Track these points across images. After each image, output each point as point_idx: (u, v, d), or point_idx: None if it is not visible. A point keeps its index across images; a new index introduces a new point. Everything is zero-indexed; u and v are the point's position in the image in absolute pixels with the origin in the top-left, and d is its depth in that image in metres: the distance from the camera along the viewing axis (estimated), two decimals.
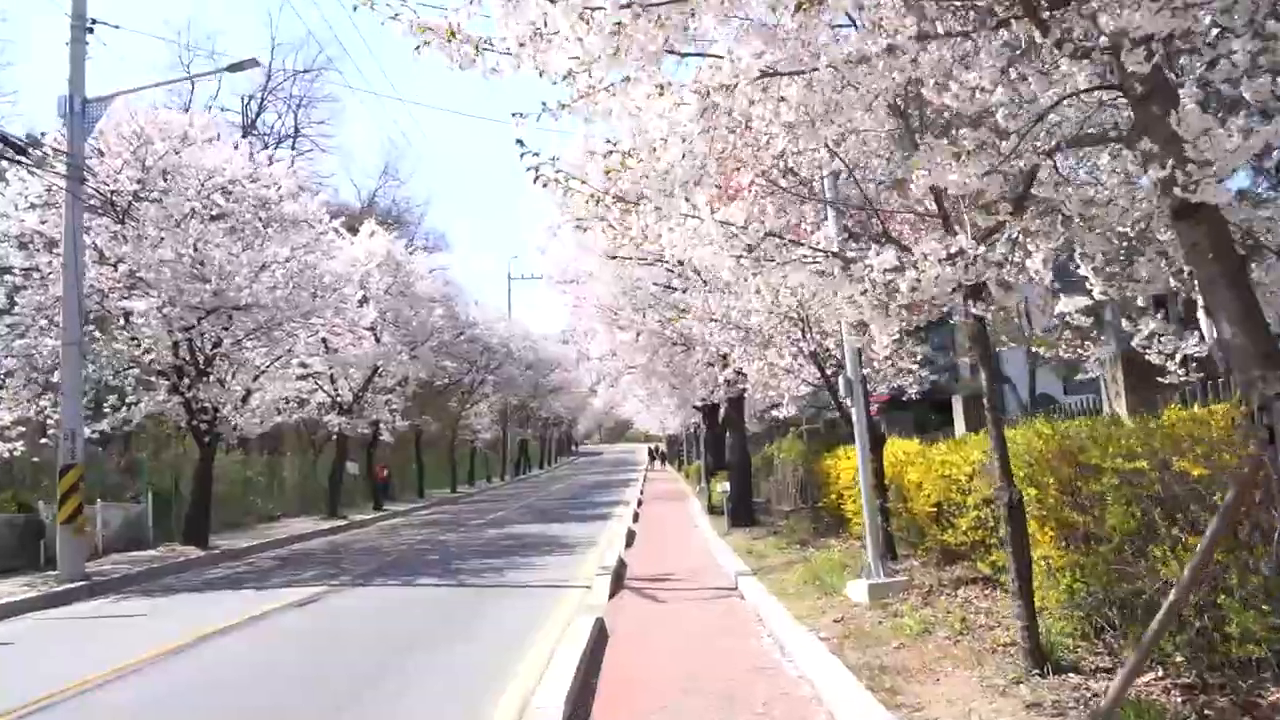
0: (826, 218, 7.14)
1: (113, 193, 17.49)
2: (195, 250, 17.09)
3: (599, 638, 8.87)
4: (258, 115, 41.78)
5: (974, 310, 5.34)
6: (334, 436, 30.42)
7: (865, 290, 5.02)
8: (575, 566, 14.80)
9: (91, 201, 17.31)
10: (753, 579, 11.42)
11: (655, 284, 18.51)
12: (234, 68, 16.76)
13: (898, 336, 6.15)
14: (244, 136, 30.99)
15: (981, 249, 4.63)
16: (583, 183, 4.93)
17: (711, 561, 14.44)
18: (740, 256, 5.42)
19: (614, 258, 17.82)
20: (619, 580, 12.86)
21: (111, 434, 29.12)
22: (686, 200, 4.86)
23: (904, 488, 10.62)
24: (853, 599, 9.08)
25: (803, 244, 5.19)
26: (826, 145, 5.93)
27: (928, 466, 9.62)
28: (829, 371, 11.67)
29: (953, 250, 4.59)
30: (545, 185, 5.17)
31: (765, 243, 5.05)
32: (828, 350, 11.17)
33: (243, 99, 43.15)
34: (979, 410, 12.30)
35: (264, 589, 13.84)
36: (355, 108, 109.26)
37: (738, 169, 5.24)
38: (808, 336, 10.58)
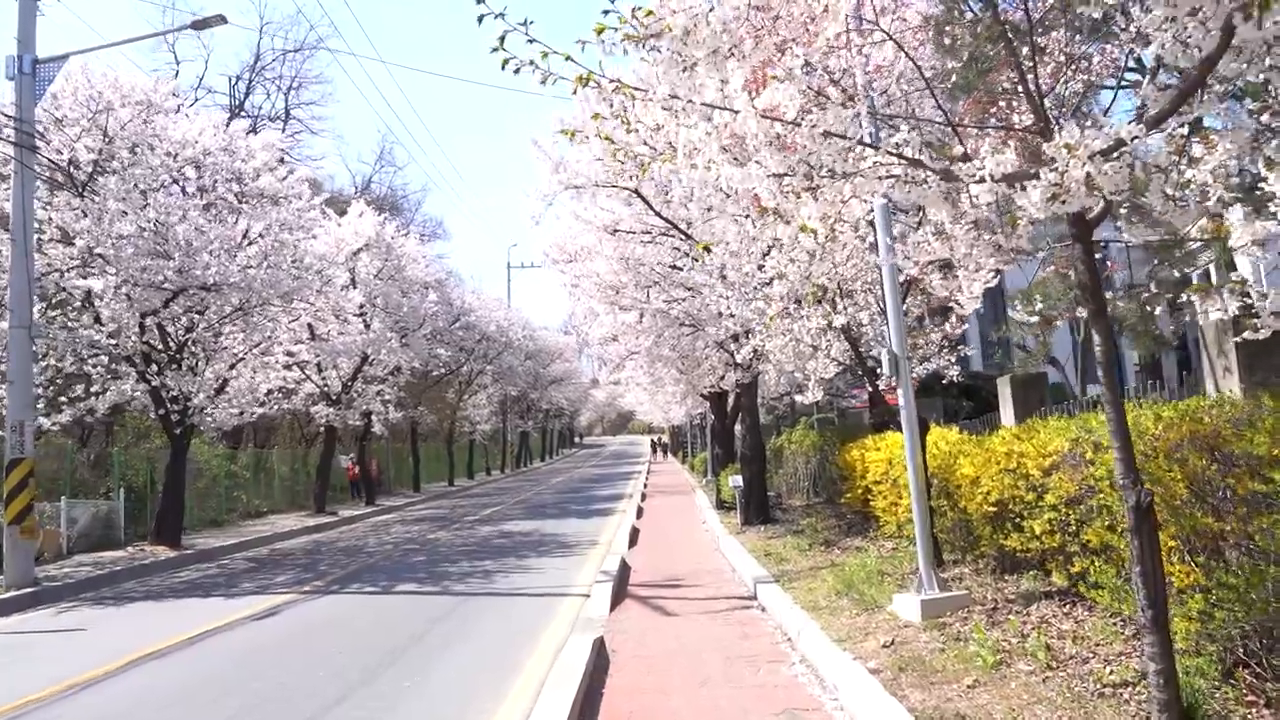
0: (877, 137, 5.70)
1: (70, 163, 16.01)
2: (156, 225, 15.60)
3: (598, 664, 7.45)
4: (245, 97, 40.23)
5: (1131, 236, 3.88)
6: (320, 429, 29.00)
7: (963, 213, 3.56)
8: (574, 569, 13.38)
9: (46, 172, 15.87)
10: (774, 587, 9.97)
11: (659, 264, 17.04)
12: (198, 25, 15.30)
13: (990, 280, 4.74)
14: (230, 120, 29.41)
15: (1156, 138, 3.18)
16: (567, 59, 3.49)
17: (724, 564, 13.00)
18: (784, 175, 3.95)
19: (615, 232, 16.37)
20: (622, 585, 11.45)
21: (92, 426, 27.87)
22: (713, 81, 3.40)
23: (951, 483, 9.16)
24: (901, 616, 7.62)
25: (876, 147, 3.74)
26: (890, 38, 4.45)
27: (986, 459, 8.16)
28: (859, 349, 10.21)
29: (1101, 145, 3.14)
30: (518, 71, 3.71)
31: (825, 147, 3.59)
32: (860, 325, 9.70)
33: (230, 79, 41.68)
34: (1031, 394, 10.85)
35: (229, 596, 12.43)
36: (349, 93, 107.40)
37: (781, 53, 3.81)
38: (840, 307, 9.11)
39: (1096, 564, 6.36)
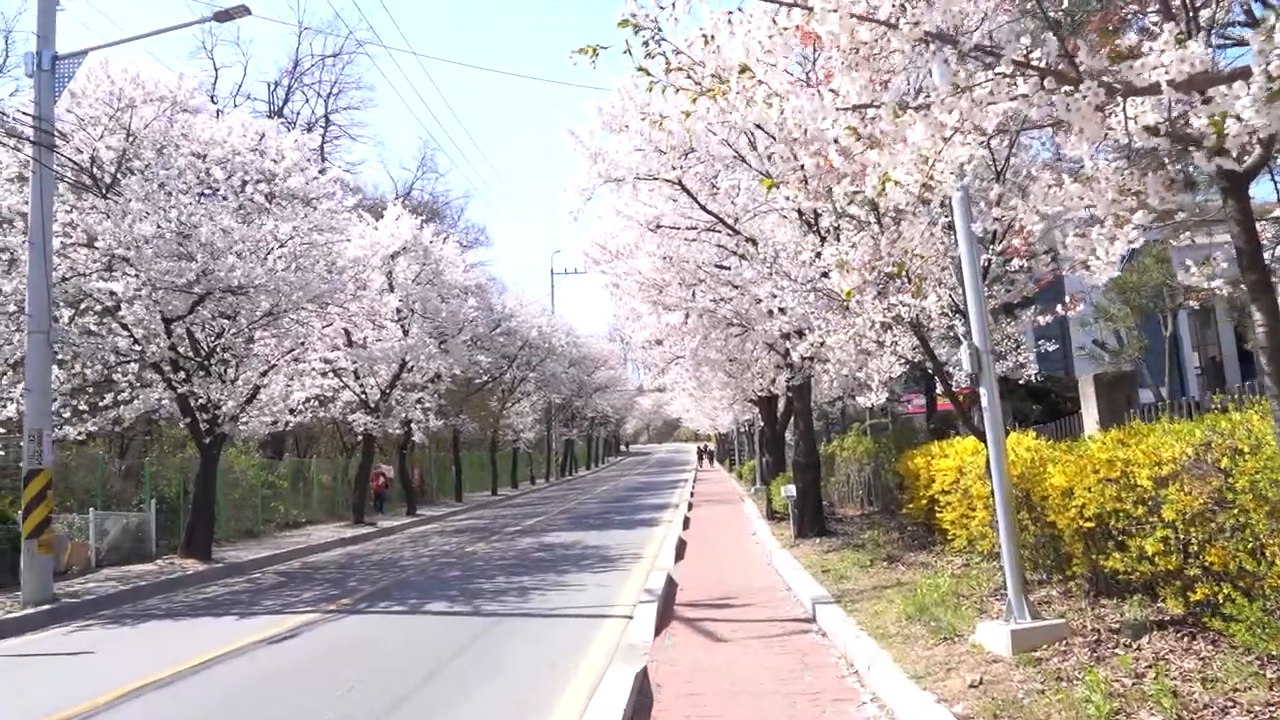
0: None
1: (92, 162, 15.45)
2: (179, 226, 14.96)
3: (639, 701, 6.56)
4: (284, 103, 39.98)
5: None
6: (359, 438, 28.38)
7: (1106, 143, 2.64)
8: (616, 586, 12.51)
9: (67, 173, 15.33)
10: (835, 609, 9.02)
11: (705, 264, 16.10)
12: (221, 16, 14.65)
13: (1135, 240, 3.82)
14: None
15: None
16: None
17: (778, 581, 12.05)
18: (868, 106, 3.05)
19: (657, 229, 15.48)
20: (668, 606, 10.55)
21: (132, 436, 27.48)
22: None
23: (1034, 494, 8.17)
24: (987, 648, 6.63)
25: (998, 54, 2.83)
26: None
27: (1080, 467, 7.16)
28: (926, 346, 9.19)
29: None
30: None
31: (931, 58, 2.69)
32: (930, 318, 8.72)
33: (269, 85, 41.47)
34: (1117, 395, 9.80)
35: (248, 615, 11.72)
36: (391, 100, 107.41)
37: None
38: (923, 291, 8.14)
39: (1227, 592, 5.37)
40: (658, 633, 9.04)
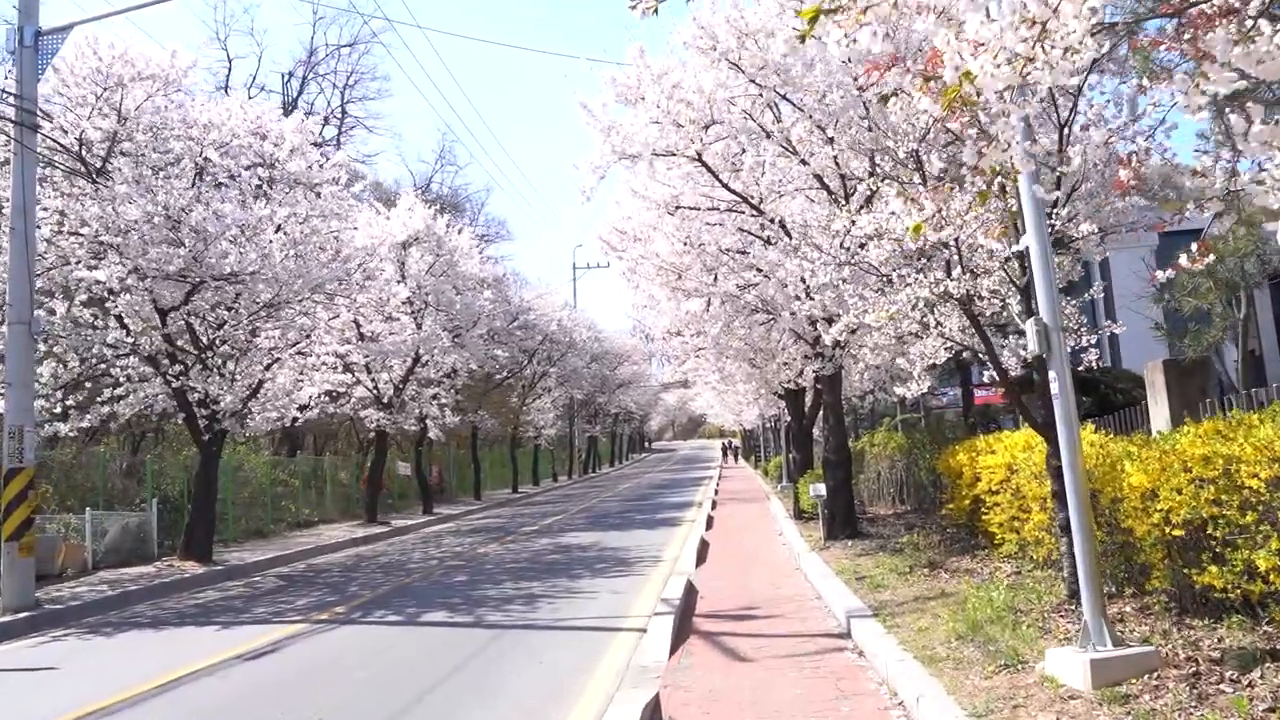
0: None
1: (80, 144, 14.63)
2: (167, 210, 14.08)
3: None
4: (299, 94, 39.28)
5: None
6: (372, 434, 27.51)
7: None
8: (632, 594, 11.56)
9: (54, 156, 14.53)
10: (873, 623, 8.02)
11: (727, 250, 15.09)
12: None
13: None
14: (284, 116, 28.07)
15: None
16: None
17: (807, 589, 11.05)
18: None
19: (675, 210, 14.48)
20: (686, 618, 9.59)
21: (142, 433, 26.79)
22: None
23: (1103, 495, 7.13)
24: (1061, 680, 5.58)
25: None
26: None
27: (1164, 465, 6.13)
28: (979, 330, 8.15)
29: None
30: None
31: None
32: (980, 297, 7.68)
33: (283, 76, 40.78)
34: (1190, 384, 8.73)
35: (234, 625, 10.85)
36: (408, 92, 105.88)
37: None
38: (955, 274, 7.11)
39: None
40: (674, 649, 8.09)
